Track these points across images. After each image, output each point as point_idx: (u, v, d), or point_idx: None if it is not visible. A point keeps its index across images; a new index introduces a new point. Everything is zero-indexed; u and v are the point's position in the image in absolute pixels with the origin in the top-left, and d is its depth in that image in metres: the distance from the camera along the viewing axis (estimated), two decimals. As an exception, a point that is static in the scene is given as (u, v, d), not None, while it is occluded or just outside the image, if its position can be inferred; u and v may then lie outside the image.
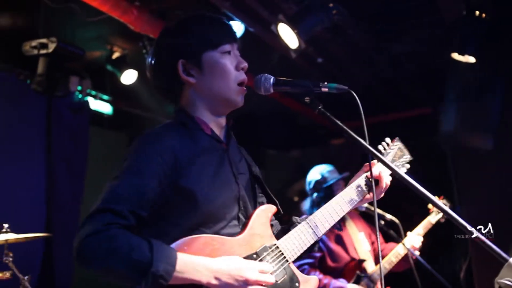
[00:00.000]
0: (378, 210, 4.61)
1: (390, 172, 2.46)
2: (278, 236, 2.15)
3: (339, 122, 2.11)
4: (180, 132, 2.07)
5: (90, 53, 6.04)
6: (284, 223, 2.35)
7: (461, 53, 5.07)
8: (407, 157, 2.69)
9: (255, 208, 2.19)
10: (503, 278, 1.72)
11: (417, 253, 4.48)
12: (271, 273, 2.00)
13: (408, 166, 2.66)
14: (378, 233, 2.02)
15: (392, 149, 2.65)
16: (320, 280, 4.15)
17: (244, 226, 2.09)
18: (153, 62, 2.23)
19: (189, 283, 1.81)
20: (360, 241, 4.59)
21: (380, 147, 2.61)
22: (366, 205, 4.43)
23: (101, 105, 6.38)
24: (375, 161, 2.44)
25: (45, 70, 5.30)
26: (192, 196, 1.95)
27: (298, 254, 2.14)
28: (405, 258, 4.51)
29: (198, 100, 2.17)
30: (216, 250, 1.90)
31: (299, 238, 2.16)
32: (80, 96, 5.93)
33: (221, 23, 2.26)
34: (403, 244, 4.46)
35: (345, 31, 5.74)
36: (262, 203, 2.25)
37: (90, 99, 6.10)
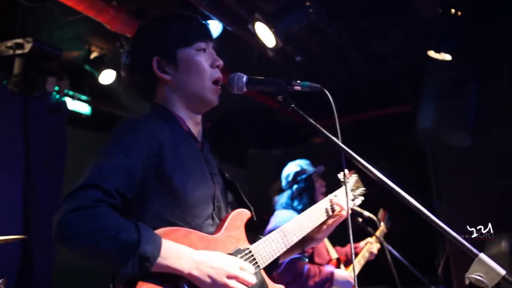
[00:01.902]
0: (356, 208, 4.63)
1: (352, 199, 2.58)
2: (250, 241, 2.16)
3: (312, 120, 2.10)
4: (162, 123, 2.07)
5: (67, 53, 5.99)
6: (264, 222, 2.36)
7: (437, 51, 5.12)
8: (362, 189, 2.74)
9: (226, 211, 2.19)
10: (473, 273, 1.74)
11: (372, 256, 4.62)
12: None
13: (362, 198, 2.72)
14: (350, 234, 2.02)
15: (350, 180, 2.71)
16: (309, 269, 4.14)
17: (219, 226, 2.08)
18: (128, 59, 2.22)
19: (169, 272, 1.78)
20: (328, 243, 4.64)
21: (339, 176, 2.64)
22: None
23: (79, 105, 6.32)
24: (338, 191, 2.57)
25: (21, 70, 5.25)
26: (172, 186, 1.94)
27: (270, 261, 2.15)
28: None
29: (174, 97, 2.17)
30: (193, 244, 1.88)
31: (271, 246, 2.17)
32: (57, 96, 5.87)
33: (196, 21, 2.26)
34: (376, 237, 4.57)
35: (323, 30, 5.76)
36: (232, 207, 2.24)
37: (68, 99, 6.05)
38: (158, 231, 1.83)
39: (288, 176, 4.62)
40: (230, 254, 2.01)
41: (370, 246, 4.63)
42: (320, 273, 4.13)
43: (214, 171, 2.21)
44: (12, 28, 5.23)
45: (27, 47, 5.08)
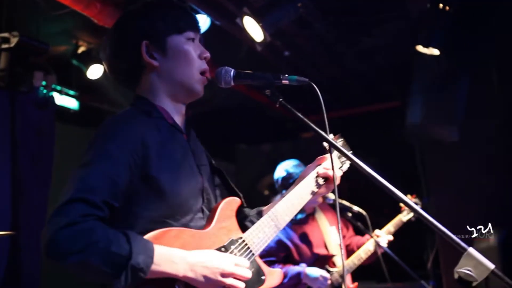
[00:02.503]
0: (345, 202, 4.63)
1: (340, 166, 2.50)
2: (242, 229, 2.15)
3: (300, 115, 2.10)
4: (145, 120, 2.02)
5: (55, 48, 5.94)
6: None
7: (426, 45, 5.13)
8: (350, 152, 2.70)
9: (216, 200, 2.18)
10: (462, 268, 1.74)
11: (384, 247, 4.53)
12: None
13: (349, 162, 2.66)
14: (339, 225, 2.01)
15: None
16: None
17: (209, 219, 2.07)
18: (113, 43, 2.16)
19: (164, 277, 1.77)
20: (330, 235, 4.60)
21: (325, 144, 2.61)
22: (333, 197, 4.46)
23: (67, 101, 6.28)
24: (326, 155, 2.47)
25: (8, 65, 5.19)
26: (160, 187, 1.91)
27: (263, 247, 2.14)
28: (374, 252, 4.56)
29: (159, 85, 2.13)
30: (186, 244, 1.87)
31: (263, 231, 2.16)
32: (45, 91, 5.82)
33: (186, 10, 2.25)
34: (374, 239, 4.50)
35: (311, 25, 5.75)
36: (221, 196, 2.23)
37: (55, 95, 6.00)
38: (149, 236, 1.80)
39: (277, 180, 4.65)
40: (224, 246, 2.00)
41: (376, 239, 4.52)
42: (287, 274, 4.14)
43: (202, 162, 2.19)
44: (-2, 22, 5.19)
45: (13, 41, 5.02)
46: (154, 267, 1.73)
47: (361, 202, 4.85)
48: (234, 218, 2.14)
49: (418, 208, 1.88)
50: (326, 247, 4.50)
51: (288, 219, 2.28)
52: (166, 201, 1.92)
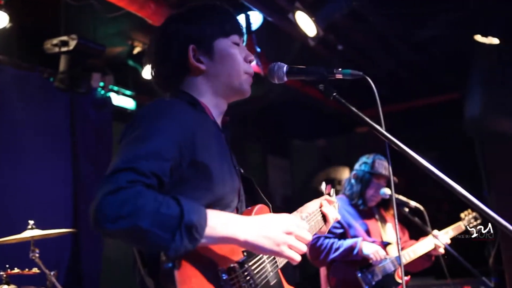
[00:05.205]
0: (402, 197, 4.53)
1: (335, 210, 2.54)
2: None
3: (354, 109, 2.05)
4: (192, 110, 1.99)
5: (111, 49, 6.07)
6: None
7: (485, 34, 4.97)
8: (334, 191, 2.75)
9: (246, 205, 2.13)
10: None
11: (441, 250, 4.39)
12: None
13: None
14: (396, 217, 1.97)
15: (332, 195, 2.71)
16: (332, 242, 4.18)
17: None
18: (158, 48, 2.14)
19: (220, 243, 1.69)
20: (386, 230, 4.53)
21: (322, 188, 2.69)
22: (389, 192, 4.39)
23: (124, 101, 6.40)
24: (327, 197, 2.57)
25: (67, 67, 5.36)
26: (207, 172, 1.86)
27: (286, 260, 2.04)
28: (426, 256, 4.41)
29: (205, 85, 2.10)
30: None
31: None
32: (102, 92, 5.98)
33: (231, 14, 2.22)
34: (432, 237, 4.37)
35: (365, 17, 5.66)
36: (251, 202, 2.18)
37: (112, 95, 6.14)
38: None
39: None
40: None
41: (434, 237, 4.36)
42: (344, 244, 4.15)
43: (236, 164, 2.16)
44: (57, 26, 5.34)
45: (72, 44, 5.17)
46: (208, 230, 1.63)
47: (419, 197, 4.72)
48: None
49: (479, 203, 1.81)
50: (381, 237, 4.44)
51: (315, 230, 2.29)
52: (212, 189, 1.87)
